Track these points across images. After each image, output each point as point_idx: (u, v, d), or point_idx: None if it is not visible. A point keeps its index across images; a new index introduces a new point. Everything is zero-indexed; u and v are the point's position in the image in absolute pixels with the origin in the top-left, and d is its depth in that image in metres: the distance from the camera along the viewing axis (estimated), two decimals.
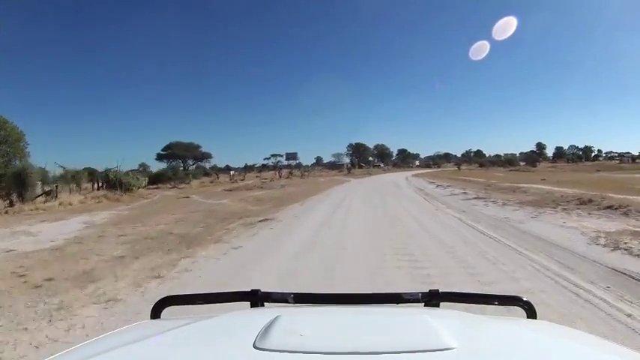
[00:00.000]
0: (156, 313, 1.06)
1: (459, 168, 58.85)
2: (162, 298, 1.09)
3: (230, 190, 25.58)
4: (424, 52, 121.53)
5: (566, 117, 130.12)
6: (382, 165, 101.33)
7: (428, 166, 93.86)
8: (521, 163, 68.01)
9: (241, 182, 38.17)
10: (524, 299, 1.06)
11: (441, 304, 1.06)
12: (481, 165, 68.72)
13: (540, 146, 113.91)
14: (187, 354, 0.71)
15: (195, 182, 37.59)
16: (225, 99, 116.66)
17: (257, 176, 51.82)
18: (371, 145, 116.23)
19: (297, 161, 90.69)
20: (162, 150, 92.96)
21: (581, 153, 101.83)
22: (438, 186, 23.83)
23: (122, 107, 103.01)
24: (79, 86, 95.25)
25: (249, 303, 1.07)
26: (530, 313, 1.04)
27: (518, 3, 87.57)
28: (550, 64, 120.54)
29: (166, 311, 1.06)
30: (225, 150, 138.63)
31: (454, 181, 27.25)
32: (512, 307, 1.09)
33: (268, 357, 0.63)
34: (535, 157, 72.32)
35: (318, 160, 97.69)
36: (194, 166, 79.10)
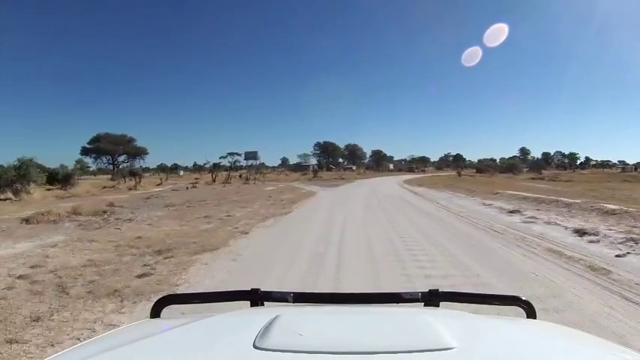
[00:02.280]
0: (155, 312, 1.05)
1: (459, 173, 45.54)
2: (162, 297, 1.09)
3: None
4: (400, 51, 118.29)
5: (547, 123, 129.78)
6: (354, 168, 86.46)
7: (411, 170, 79.96)
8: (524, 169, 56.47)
9: (141, 189, 26.78)
10: (525, 299, 1.05)
11: (441, 303, 1.06)
12: (479, 170, 58.33)
13: (524, 151, 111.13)
14: (187, 353, 0.70)
15: (40, 191, 21.00)
16: (174, 93, 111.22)
17: (196, 178, 43.87)
18: (342, 145, 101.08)
19: (258, 161, 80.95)
20: (89, 143, 75.14)
21: (566, 160, 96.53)
22: (510, 212, 11.56)
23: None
24: None
25: (249, 302, 1.07)
26: (530, 313, 1.03)
27: (500, 11, 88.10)
28: (532, 69, 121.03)
29: (166, 311, 1.05)
30: (182, 148, 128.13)
31: (501, 197, 16.24)
32: (512, 307, 1.08)
33: (268, 356, 0.63)
34: (540, 163, 60.75)
35: (284, 161, 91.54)
36: (128, 162, 69.66)
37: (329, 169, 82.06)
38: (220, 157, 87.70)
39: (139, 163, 74.22)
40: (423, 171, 79.82)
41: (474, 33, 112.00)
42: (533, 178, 36.79)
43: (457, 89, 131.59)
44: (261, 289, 1.08)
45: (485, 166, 60.67)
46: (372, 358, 0.62)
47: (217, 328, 0.85)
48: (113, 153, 77.85)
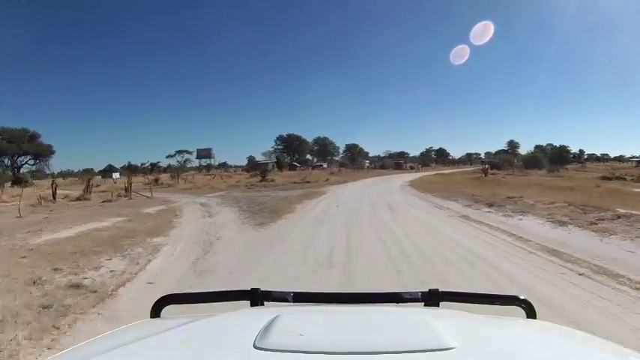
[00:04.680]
0: (155, 312, 1.05)
1: (485, 172, 34.01)
2: (162, 297, 1.08)
3: None
4: (374, 38, 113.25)
5: (534, 115, 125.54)
6: (325, 165, 70.48)
7: (398, 167, 65.02)
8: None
9: None
10: (525, 299, 1.06)
11: (441, 303, 1.05)
12: (493, 167, 46.35)
13: (513, 145, 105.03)
14: (187, 353, 0.71)
15: None
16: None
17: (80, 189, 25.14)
18: (310, 139, 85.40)
19: (213, 159, 74.84)
20: None
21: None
22: None
23: None
24: None
25: (249, 302, 1.08)
26: (530, 313, 1.03)
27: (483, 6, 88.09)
28: (514, 61, 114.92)
29: (166, 310, 1.06)
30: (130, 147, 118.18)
31: None
32: (511, 307, 1.08)
33: (268, 356, 0.63)
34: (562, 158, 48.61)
35: (250, 159, 79.90)
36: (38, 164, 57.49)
37: (292, 168, 66.19)
38: (167, 156, 73.06)
39: (44, 165, 56.44)
40: (412, 168, 65.51)
41: (451, 23, 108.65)
42: (608, 178, 22.75)
43: (438, 82, 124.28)
44: (261, 289, 1.08)
45: (502, 161, 48.73)
46: (372, 358, 0.62)
47: (217, 328, 0.86)
48: (12, 153, 60.21)
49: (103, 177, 50.79)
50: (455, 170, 54.37)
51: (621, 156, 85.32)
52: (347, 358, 0.63)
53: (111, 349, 0.72)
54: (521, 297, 1.08)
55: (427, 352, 0.64)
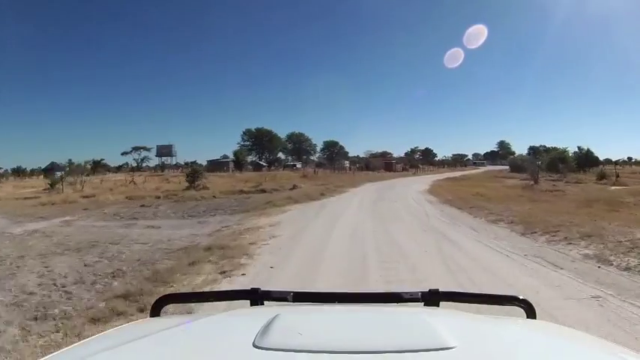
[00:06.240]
0: (155, 311, 1.08)
1: (535, 180, 23.83)
2: (162, 296, 1.14)
3: None
4: (357, 37, 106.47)
5: (521, 117, 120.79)
6: (298, 166, 58.10)
7: (388, 169, 53.29)
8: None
9: None
10: (524, 299, 1.10)
11: (441, 303, 1.09)
12: (514, 169, 42.04)
13: (504, 146, 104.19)
14: (187, 353, 0.73)
15: None
16: None
17: None
18: (282, 135, 73.50)
19: (174, 157, 67.11)
20: None
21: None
22: None
23: None
24: None
25: (248, 302, 1.10)
26: (530, 313, 1.06)
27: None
28: (503, 61, 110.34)
29: (166, 310, 1.09)
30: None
31: None
32: (512, 307, 1.12)
33: (268, 356, 0.65)
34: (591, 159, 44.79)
35: (224, 157, 69.00)
36: None
37: (257, 168, 53.80)
38: (123, 153, 65.74)
39: None
40: (405, 169, 54.37)
41: (435, 23, 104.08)
42: None
43: (424, 81, 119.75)
44: (261, 289, 1.10)
45: (522, 162, 43.13)
46: (372, 357, 0.64)
47: (217, 328, 0.87)
48: None
49: (45, 176, 43.96)
50: (464, 173, 44.11)
51: (630, 158, 78.53)
52: (347, 357, 0.63)
53: (110, 348, 0.73)
54: (521, 297, 1.12)
55: (427, 352, 0.64)
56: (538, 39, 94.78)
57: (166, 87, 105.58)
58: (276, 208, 13.86)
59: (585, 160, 42.43)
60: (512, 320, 1.01)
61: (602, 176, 29.80)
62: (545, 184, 24.80)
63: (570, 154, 41.48)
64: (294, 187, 23.09)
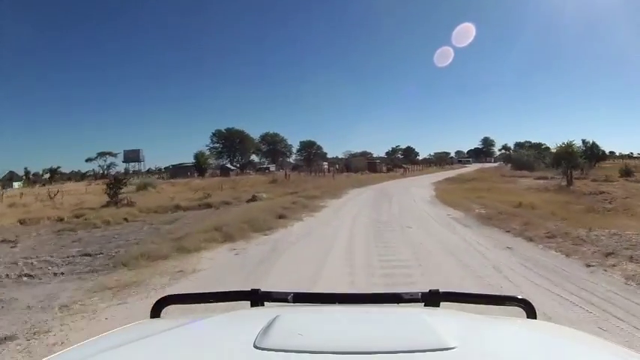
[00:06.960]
0: (156, 312, 1.09)
1: (569, 181, 21.04)
2: (162, 298, 1.13)
3: None
4: (336, 32, 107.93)
5: (504, 113, 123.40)
6: (272, 168, 52.76)
7: (372, 170, 48.32)
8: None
9: None
10: (524, 299, 1.12)
11: (441, 303, 1.10)
12: (519, 167, 37.40)
13: (488, 142, 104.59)
14: (187, 354, 0.74)
15: None
16: None
17: None
18: (256, 136, 68.02)
19: (142, 163, 64.80)
20: None
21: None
22: None
23: None
24: None
25: (249, 302, 1.12)
26: (530, 313, 1.08)
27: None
28: (485, 59, 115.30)
29: (166, 311, 1.10)
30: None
31: None
32: (512, 307, 1.14)
33: (268, 356, 0.66)
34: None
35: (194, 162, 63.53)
36: None
37: (225, 173, 47.90)
38: (87, 159, 64.86)
39: None
40: (391, 170, 49.75)
41: (414, 22, 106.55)
42: None
43: (405, 79, 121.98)
44: (262, 290, 1.12)
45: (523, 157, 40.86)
46: (372, 358, 0.64)
47: (217, 328, 0.89)
48: None
49: (2, 187, 41.32)
50: (459, 172, 40.07)
51: (631, 153, 76.70)
52: (347, 358, 0.64)
53: (110, 349, 0.74)
54: (520, 297, 1.14)
55: (427, 352, 0.65)
56: (520, 37, 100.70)
57: (136, 90, 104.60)
58: (165, 265, 6.26)
59: (591, 154, 38.97)
60: (512, 320, 1.02)
61: (627, 172, 26.21)
62: (581, 185, 20.75)
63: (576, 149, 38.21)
64: (254, 198, 17.65)
